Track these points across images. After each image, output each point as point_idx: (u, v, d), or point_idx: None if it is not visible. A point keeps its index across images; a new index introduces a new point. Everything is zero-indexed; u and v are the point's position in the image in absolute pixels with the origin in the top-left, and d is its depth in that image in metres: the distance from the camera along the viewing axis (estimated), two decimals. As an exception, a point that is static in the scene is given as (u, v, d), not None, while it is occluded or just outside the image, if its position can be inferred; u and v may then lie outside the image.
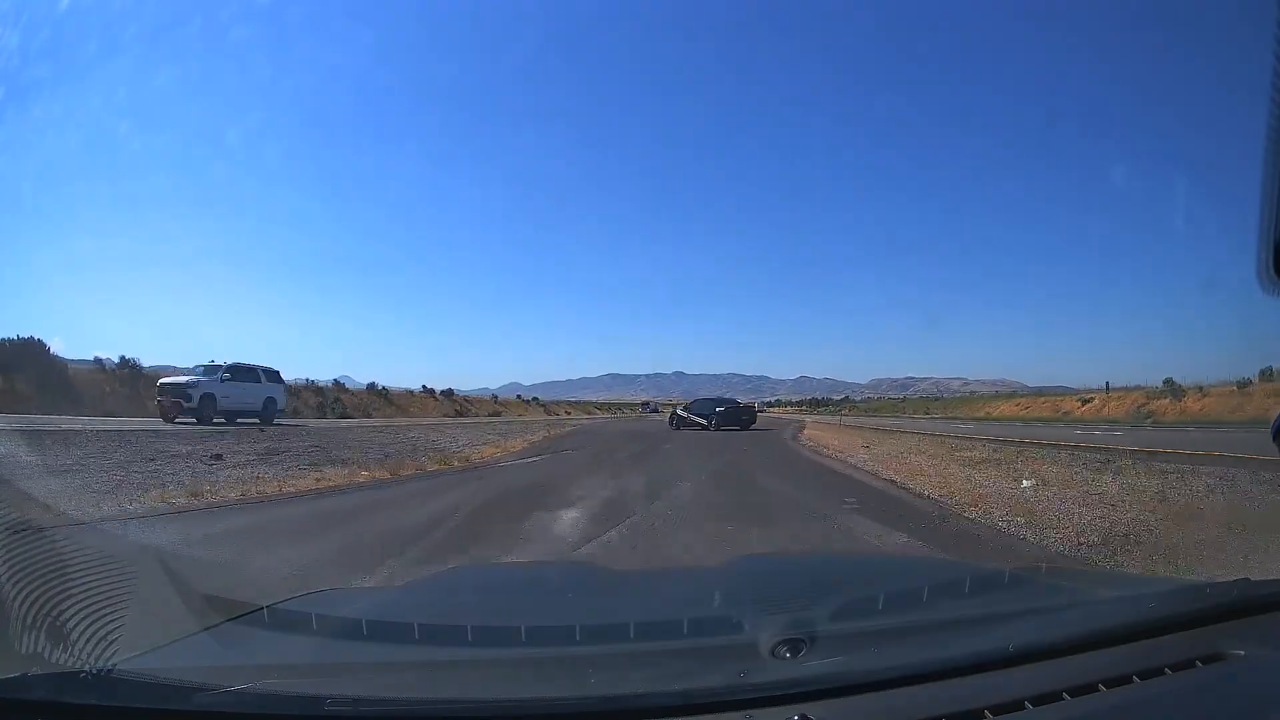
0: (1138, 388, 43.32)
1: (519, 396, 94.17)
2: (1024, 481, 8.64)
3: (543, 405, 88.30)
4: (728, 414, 27.37)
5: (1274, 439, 5.72)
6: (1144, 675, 1.14)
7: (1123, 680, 1.12)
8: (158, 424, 18.07)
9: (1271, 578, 1.48)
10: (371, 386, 50.84)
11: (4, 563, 1.68)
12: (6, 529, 3.15)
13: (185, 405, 20.32)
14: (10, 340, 30.72)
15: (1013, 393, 51.75)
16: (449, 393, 61.51)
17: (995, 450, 13.98)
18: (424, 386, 59.68)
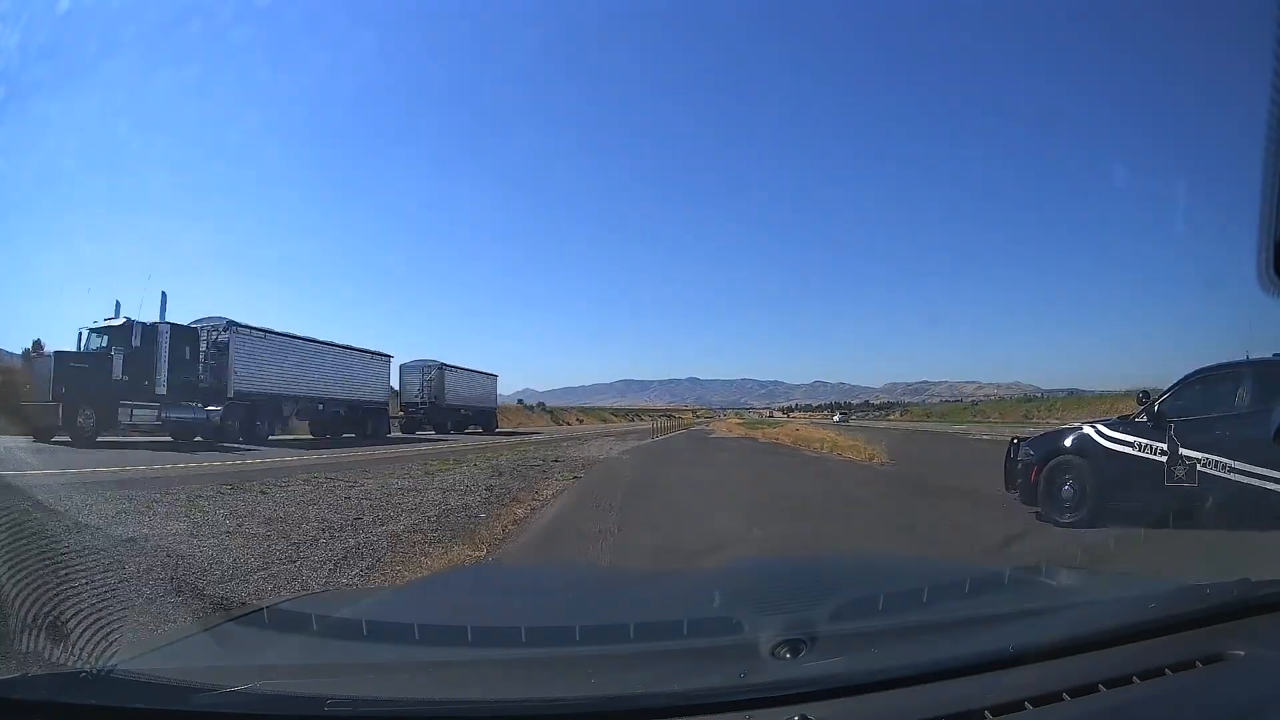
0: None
1: (520, 402, 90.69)
2: None
3: (550, 412, 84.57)
4: None
5: (1274, 438, 4.97)
6: (1144, 676, 1.14)
7: (1123, 681, 1.12)
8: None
9: (1272, 578, 1.48)
10: None
11: (4, 563, 1.67)
12: (7, 529, 3.15)
13: None
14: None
15: (1130, 391, 46.35)
16: None
17: None
18: (393, 389, 52.71)
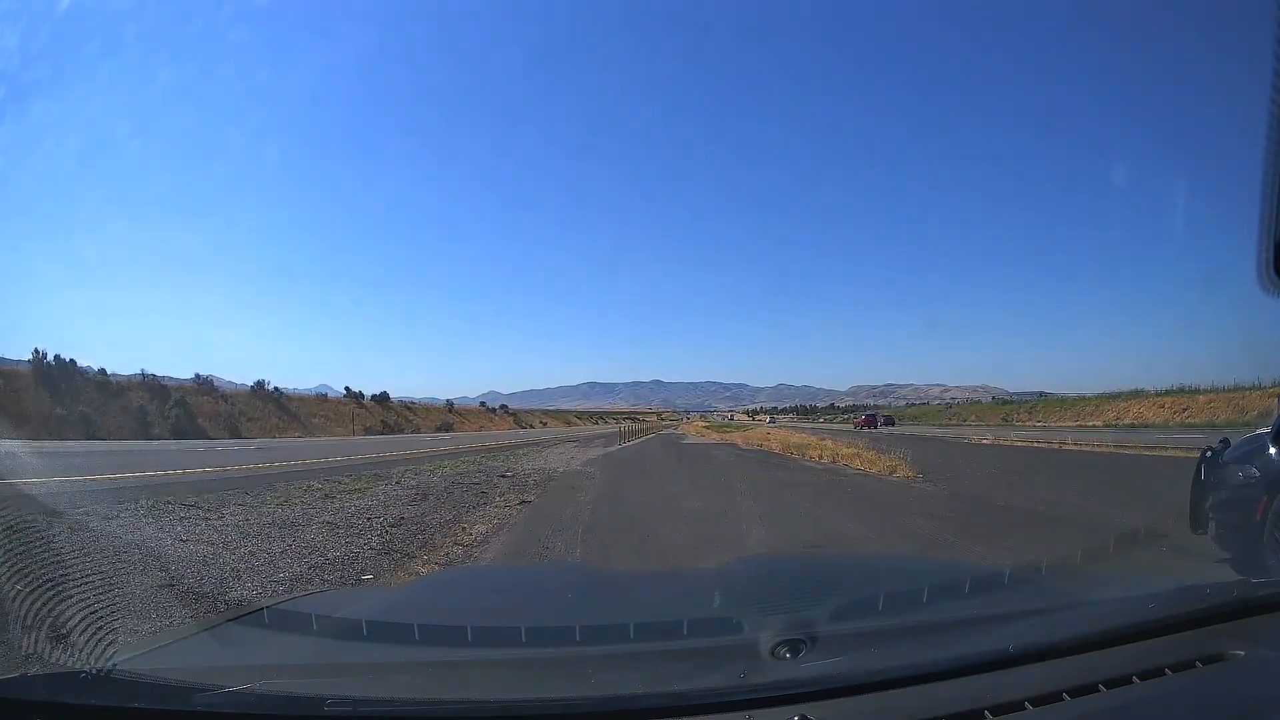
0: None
1: (482, 404, 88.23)
2: None
3: (512, 415, 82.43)
4: None
5: (1274, 440, 4.24)
6: (1144, 676, 1.13)
7: (1123, 681, 1.12)
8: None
9: (1271, 579, 1.51)
10: (259, 386, 39.28)
11: (4, 563, 1.84)
12: (7, 529, 3.35)
13: None
14: (51, 360, 26.07)
15: (1136, 391, 45.09)
16: (383, 398, 52.64)
17: None
18: (347, 389, 51.60)
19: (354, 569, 5.21)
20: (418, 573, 5.14)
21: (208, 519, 7.06)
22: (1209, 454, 4.76)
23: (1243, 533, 4.27)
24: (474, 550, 5.93)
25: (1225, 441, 4.83)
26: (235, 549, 5.66)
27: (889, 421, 65.44)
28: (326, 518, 7.34)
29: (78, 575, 4.20)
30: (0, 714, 1.01)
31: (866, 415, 69.73)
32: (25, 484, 9.25)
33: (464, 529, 6.89)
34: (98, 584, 4.28)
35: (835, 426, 67.37)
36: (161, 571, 4.80)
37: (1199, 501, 4.67)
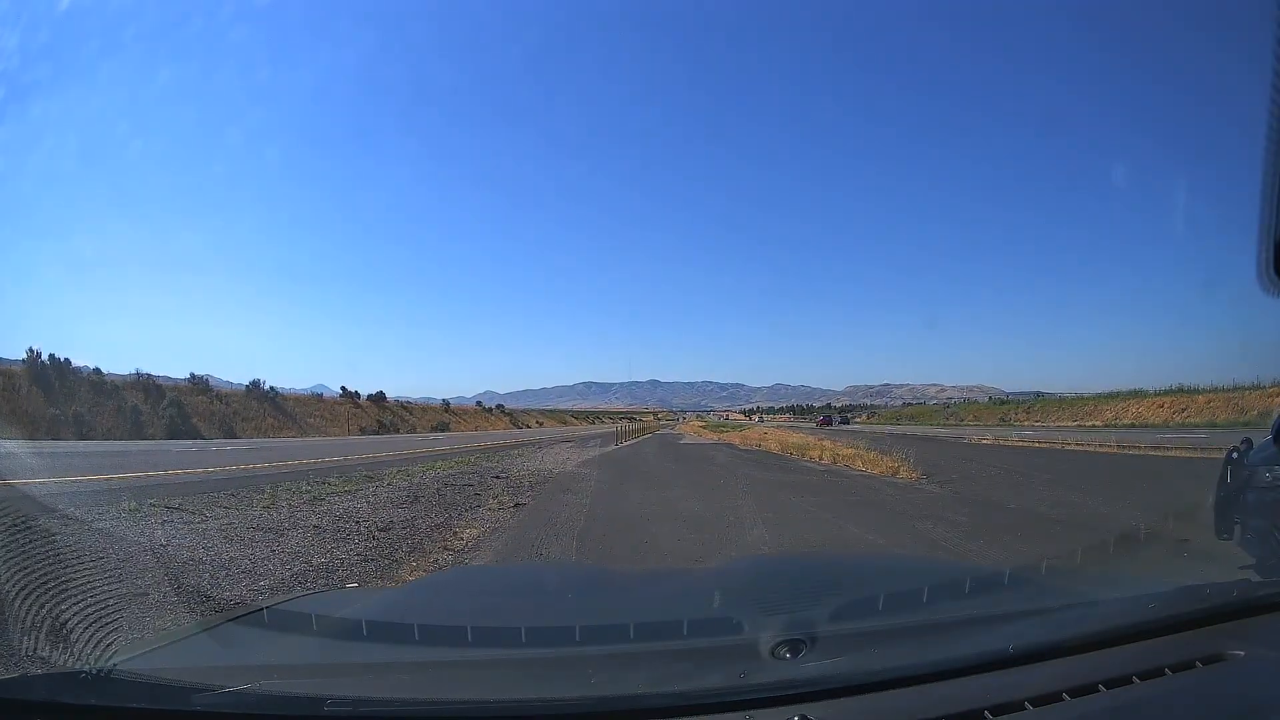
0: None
1: (479, 403, 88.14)
2: None
3: (509, 415, 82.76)
4: None
5: (1275, 439, 4.19)
6: (1144, 676, 1.14)
7: (1123, 681, 1.12)
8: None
9: (1270, 579, 1.51)
10: (254, 386, 39.12)
11: (4, 563, 1.86)
12: (7, 529, 3.30)
13: None
14: (46, 360, 26.03)
15: (1135, 391, 44.15)
16: (379, 398, 52.61)
17: None
18: (343, 389, 51.24)
19: (338, 576, 5.02)
20: (404, 580, 4.95)
21: (190, 522, 6.77)
22: (1234, 455, 4.55)
23: (1272, 537, 4.02)
24: (464, 556, 5.74)
25: (1248, 441, 4.60)
26: (216, 553, 5.42)
27: (844, 420, 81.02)
28: (313, 521, 7.09)
29: (59, 579, 4.14)
30: (0, 714, 1.01)
31: (824, 415, 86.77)
32: (20, 484, 9.07)
33: (455, 534, 6.70)
34: (74, 589, 4.17)
35: (805, 425, 72.07)
36: (136, 579, 4.52)
37: (1224, 505, 4.34)
